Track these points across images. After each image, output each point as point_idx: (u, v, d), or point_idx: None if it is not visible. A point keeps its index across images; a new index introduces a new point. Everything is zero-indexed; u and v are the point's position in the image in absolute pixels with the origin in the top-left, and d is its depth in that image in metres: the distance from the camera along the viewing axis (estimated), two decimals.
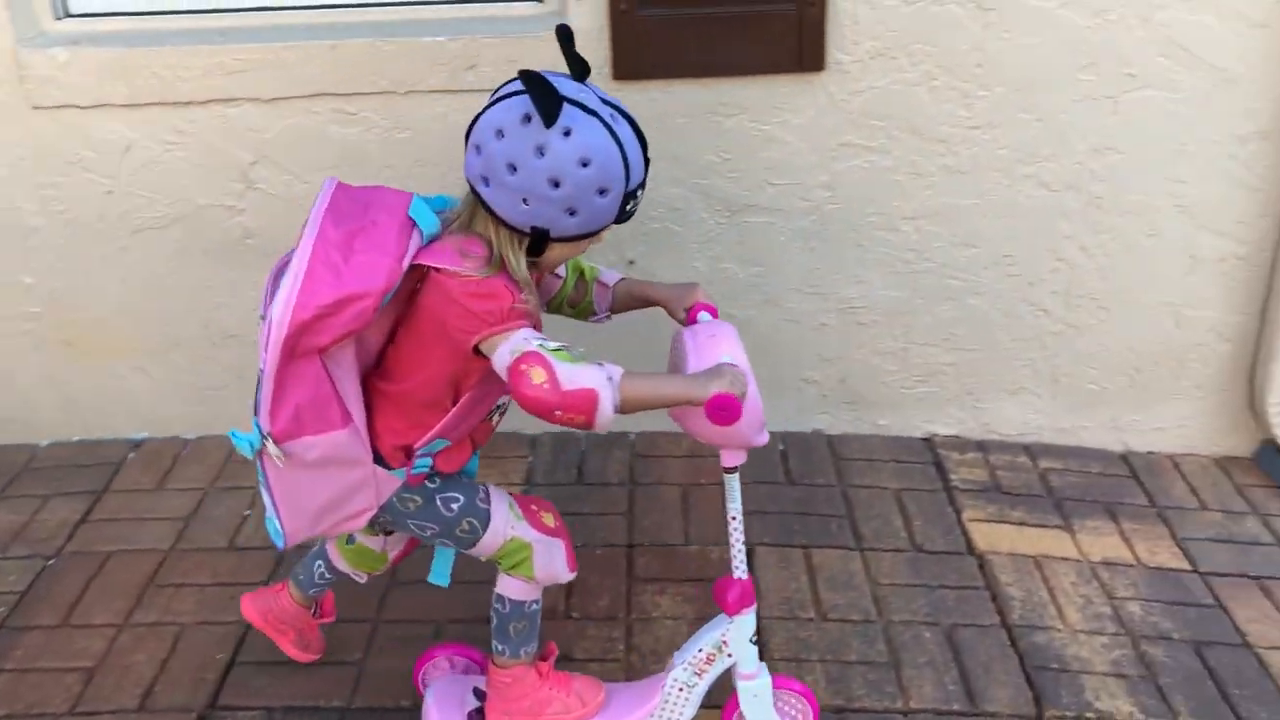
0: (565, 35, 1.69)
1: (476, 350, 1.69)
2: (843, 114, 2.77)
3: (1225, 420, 3.06)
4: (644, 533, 2.76)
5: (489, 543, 1.87)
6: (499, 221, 1.66)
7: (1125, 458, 3.10)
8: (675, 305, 1.95)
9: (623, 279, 1.99)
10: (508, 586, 1.93)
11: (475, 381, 1.77)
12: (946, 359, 3.03)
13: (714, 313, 1.92)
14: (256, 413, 1.70)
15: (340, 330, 1.64)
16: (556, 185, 1.60)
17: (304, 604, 2.20)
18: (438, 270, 1.68)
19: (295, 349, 1.63)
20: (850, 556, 2.68)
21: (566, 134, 1.59)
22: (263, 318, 1.68)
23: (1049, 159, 2.80)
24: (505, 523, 1.87)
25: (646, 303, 1.99)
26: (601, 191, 1.63)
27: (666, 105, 2.77)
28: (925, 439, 3.13)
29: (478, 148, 1.65)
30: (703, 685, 1.96)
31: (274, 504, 1.78)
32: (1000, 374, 3.04)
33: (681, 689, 1.96)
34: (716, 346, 1.77)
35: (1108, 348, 2.99)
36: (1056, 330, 2.98)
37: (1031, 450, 3.09)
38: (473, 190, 1.69)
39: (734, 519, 1.89)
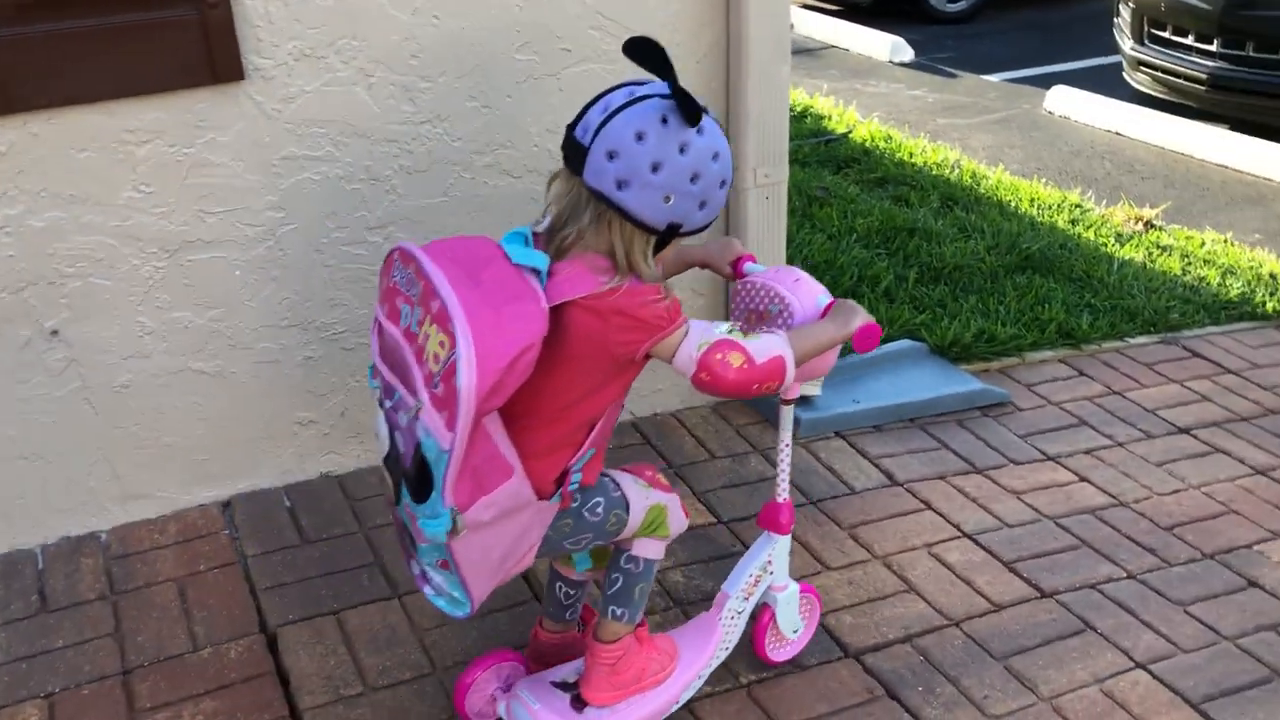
0: (650, 43, 1.70)
1: (646, 354, 1.74)
2: (277, 125, 2.46)
3: None
4: (140, 650, 2.32)
5: (634, 522, 1.94)
6: (634, 225, 1.67)
7: (636, 426, 3.13)
8: (720, 262, 2.07)
9: None
10: (645, 548, 1.99)
11: (625, 387, 1.84)
12: None
13: (754, 259, 2.07)
14: (430, 493, 1.65)
15: (515, 385, 1.63)
16: (695, 180, 1.66)
17: (567, 628, 2.16)
18: (586, 298, 1.68)
19: (478, 418, 1.60)
20: (389, 608, 2.44)
21: (700, 131, 1.66)
22: (388, 402, 1.72)
23: (505, 146, 2.69)
24: (641, 497, 1.94)
25: (689, 266, 2.09)
26: (723, 184, 1.72)
27: (57, 140, 2.29)
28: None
29: (611, 154, 1.63)
30: (750, 605, 2.17)
31: (460, 577, 1.75)
32: None
33: (735, 616, 2.15)
34: (809, 287, 1.94)
35: None
36: None
37: None
38: (600, 199, 1.66)
39: (786, 445, 2.10)
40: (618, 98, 1.66)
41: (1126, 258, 4.45)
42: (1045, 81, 7.42)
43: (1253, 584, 2.59)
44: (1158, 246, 4.64)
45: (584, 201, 1.67)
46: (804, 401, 3.17)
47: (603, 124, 1.63)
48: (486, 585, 1.78)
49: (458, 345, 1.55)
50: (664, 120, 1.63)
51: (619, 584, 1.98)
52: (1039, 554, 2.67)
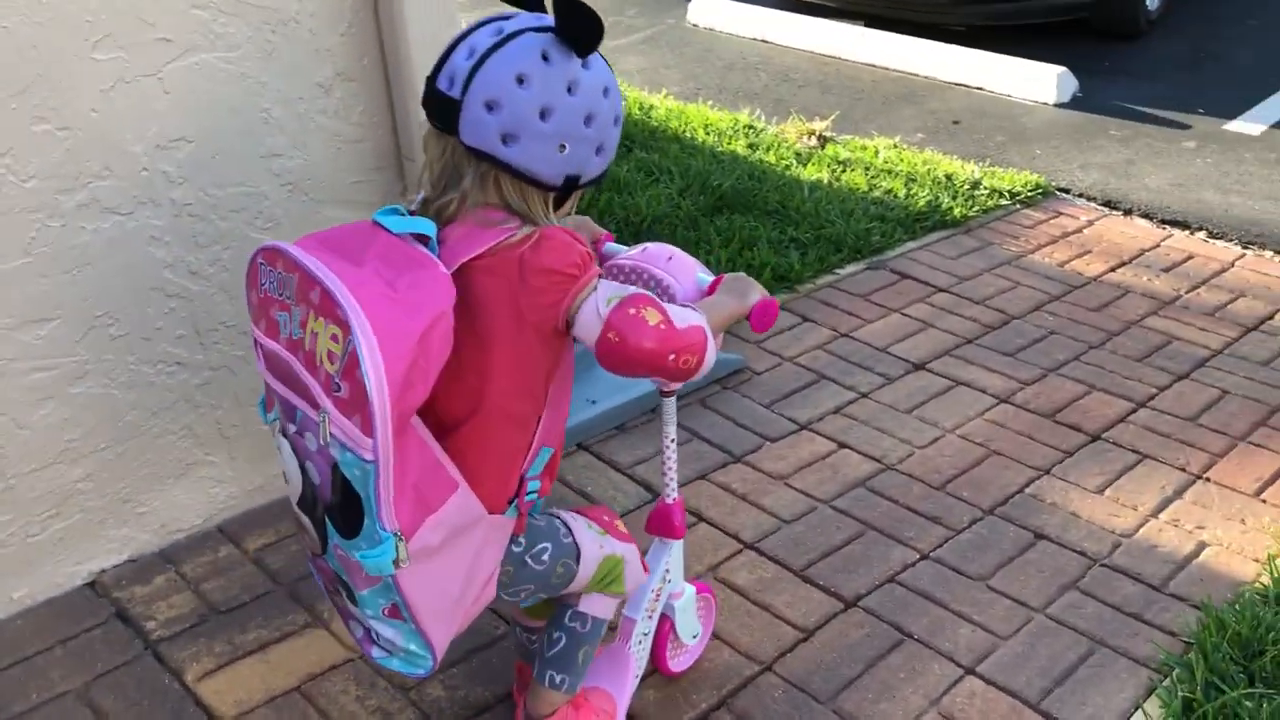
0: None
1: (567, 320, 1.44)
2: None
3: None
4: None
5: (584, 574, 1.66)
6: (527, 182, 1.41)
7: None
8: None
9: None
10: (595, 605, 1.72)
11: (565, 364, 1.53)
12: (77, 472, 2.15)
13: (612, 239, 1.81)
14: (361, 521, 1.33)
15: (435, 369, 1.33)
16: (589, 122, 1.42)
17: None
18: (482, 256, 1.40)
19: (401, 417, 1.30)
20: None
21: (585, 65, 1.41)
22: (291, 427, 1.39)
23: (102, 176, 2.00)
24: (595, 545, 1.67)
25: None
26: (616, 120, 1.47)
27: None
28: (89, 584, 2.25)
29: (490, 105, 1.36)
30: (654, 623, 1.92)
31: (414, 620, 1.43)
32: (156, 459, 2.26)
33: (642, 639, 1.89)
34: (684, 264, 1.69)
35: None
36: (204, 379, 2.27)
37: (229, 532, 2.40)
38: (482, 157, 1.39)
39: (670, 441, 1.85)
40: (483, 37, 1.39)
41: (813, 179, 4.29)
42: None
43: (1039, 536, 2.46)
44: (837, 162, 4.53)
45: (465, 162, 1.41)
46: None
47: (473, 71, 1.37)
48: (447, 629, 1.47)
49: (352, 331, 1.25)
50: (545, 57, 1.38)
51: (560, 644, 1.71)
52: (827, 551, 2.40)
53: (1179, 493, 2.61)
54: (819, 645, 2.15)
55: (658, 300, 1.45)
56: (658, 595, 1.89)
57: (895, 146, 4.76)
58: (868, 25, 6.36)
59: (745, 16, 6.55)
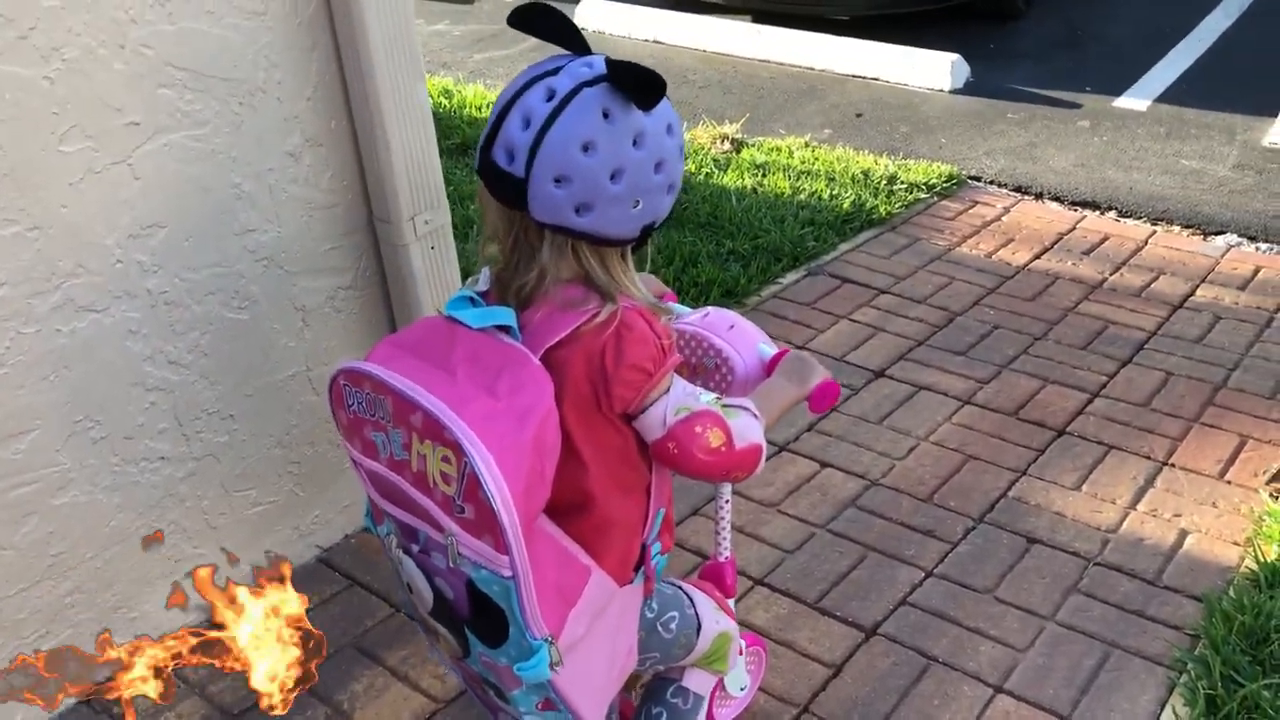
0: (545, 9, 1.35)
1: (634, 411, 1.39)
2: None
3: None
4: None
5: (700, 648, 1.67)
6: (603, 245, 1.34)
7: (328, 561, 2.47)
8: None
9: None
10: (699, 681, 1.73)
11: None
12: (65, 586, 2.02)
13: (675, 299, 1.77)
14: (507, 632, 1.31)
15: (549, 469, 1.29)
16: (659, 169, 1.34)
17: None
18: (564, 340, 1.34)
19: (528, 523, 1.26)
20: None
21: (647, 111, 1.30)
22: (414, 546, 1.35)
23: (76, 275, 1.87)
24: (712, 621, 1.67)
25: None
26: (680, 152, 1.38)
27: None
28: (85, 702, 2.12)
29: (559, 180, 1.28)
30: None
31: (570, 708, 1.43)
32: (145, 561, 2.13)
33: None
34: (745, 334, 1.66)
35: (256, 455, 2.26)
36: (189, 471, 2.15)
37: None
38: (556, 230, 1.32)
39: (726, 501, 1.81)
40: (537, 103, 1.28)
41: (739, 187, 4.31)
42: None
43: (1032, 540, 2.52)
44: (755, 166, 4.55)
45: (538, 237, 1.34)
46: None
47: (535, 145, 1.28)
48: (601, 707, 1.48)
49: (466, 454, 1.22)
50: (606, 115, 1.28)
51: None
52: (836, 580, 2.42)
53: (1150, 481, 2.71)
54: (850, 680, 2.16)
55: (725, 420, 1.41)
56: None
57: (807, 145, 4.81)
58: (754, 21, 6.41)
59: (636, 18, 6.52)
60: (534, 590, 1.28)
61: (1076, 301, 3.57)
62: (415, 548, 1.35)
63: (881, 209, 4.17)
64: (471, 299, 1.37)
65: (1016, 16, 6.38)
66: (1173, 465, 2.78)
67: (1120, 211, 4.26)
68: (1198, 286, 3.68)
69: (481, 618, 1.32)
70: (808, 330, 3.42)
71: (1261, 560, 2.38)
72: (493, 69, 6.02)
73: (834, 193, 4.28)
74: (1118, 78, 5.61)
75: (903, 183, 4.41)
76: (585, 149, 1.27)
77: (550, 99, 1.27)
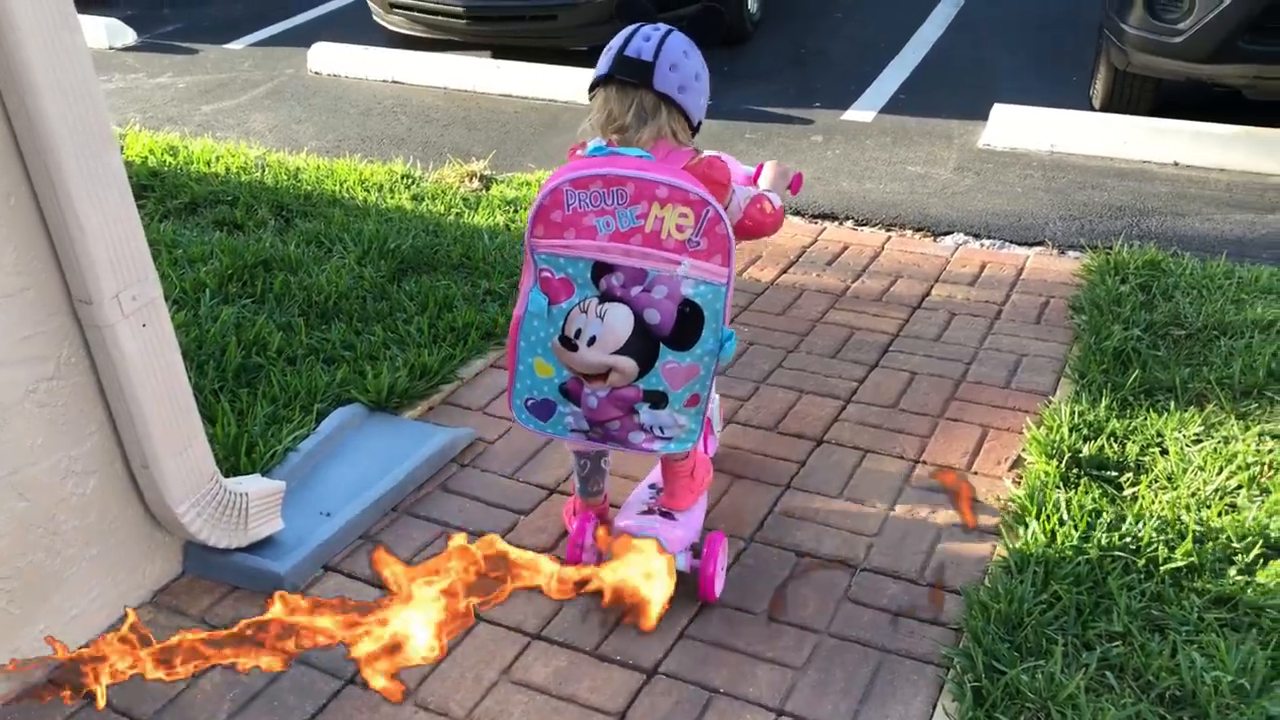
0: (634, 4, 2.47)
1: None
2: None
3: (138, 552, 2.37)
4: None
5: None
6: (685, 119, 2.18)
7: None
8: None
9: None
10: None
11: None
12: None
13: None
14: (708, 329, 2.09)
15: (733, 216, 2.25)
16: (707, 86, 2.23)
17: (599, 500, 2.59)
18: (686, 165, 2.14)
19: None
20: None
21: (691, 49, 2.20)
22: (636, 289, 2.08)
23: None
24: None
25: None
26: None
27: None
28: None
29: (673, 66, 2.13)
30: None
31: (707, 403, 2.20)
32: None
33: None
34: (735, 165, 2.43)
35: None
36: None
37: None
38: (667, 101, 2.14)
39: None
40: (648, 31, 2.14)
41: (490, 225, 4.24)
42: (299, 38, 6.92)
43: (800, 554, 2.56)
44: (506, 203, 4.51)
45: (655, 104, 2.13)
46: (266, 543, 2.50)
47: (659, 46, 2.12)
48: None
49: (709, 204, 2.01)
50: (690, 45, 2.17)
51: None
52: (613, 624, 2.37)
53: (905, 480, 2.81)
54: None
55: (766, 196, 2.27)
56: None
57: None
58: (494, 56, 6.38)
59: (371, 59, 6.37)
60: (730, 295, 2.08)
61: (824, 311, 3.69)
62: (638, 289, 2.05)
63: None
64: (605, 150, 2.09)
65: (745, 39, 6.61)
66: (924, 462, 2.89)
67: (857, 220, 4.46)
68: (932, 286, 3.88)
69: (679, 329, 2.06)
70: None
71: (1010, 547, 2.50)
72: (222, 120, 5.73)
73: None
74: (844, 92, 5.89)
75: None
76: (686, 54, 2.14)
77: (657, 30, 2.14)
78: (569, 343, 2.11)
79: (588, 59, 6.20)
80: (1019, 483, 2.77)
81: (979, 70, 6.14)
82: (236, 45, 7.04)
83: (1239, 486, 2.68)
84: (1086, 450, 2.81)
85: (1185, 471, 2.74)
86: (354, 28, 6.96)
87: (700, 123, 2.21)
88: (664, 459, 2.39)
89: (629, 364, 2.09)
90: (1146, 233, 4.26)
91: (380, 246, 3.93)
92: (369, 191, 4.58)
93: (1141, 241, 4.11)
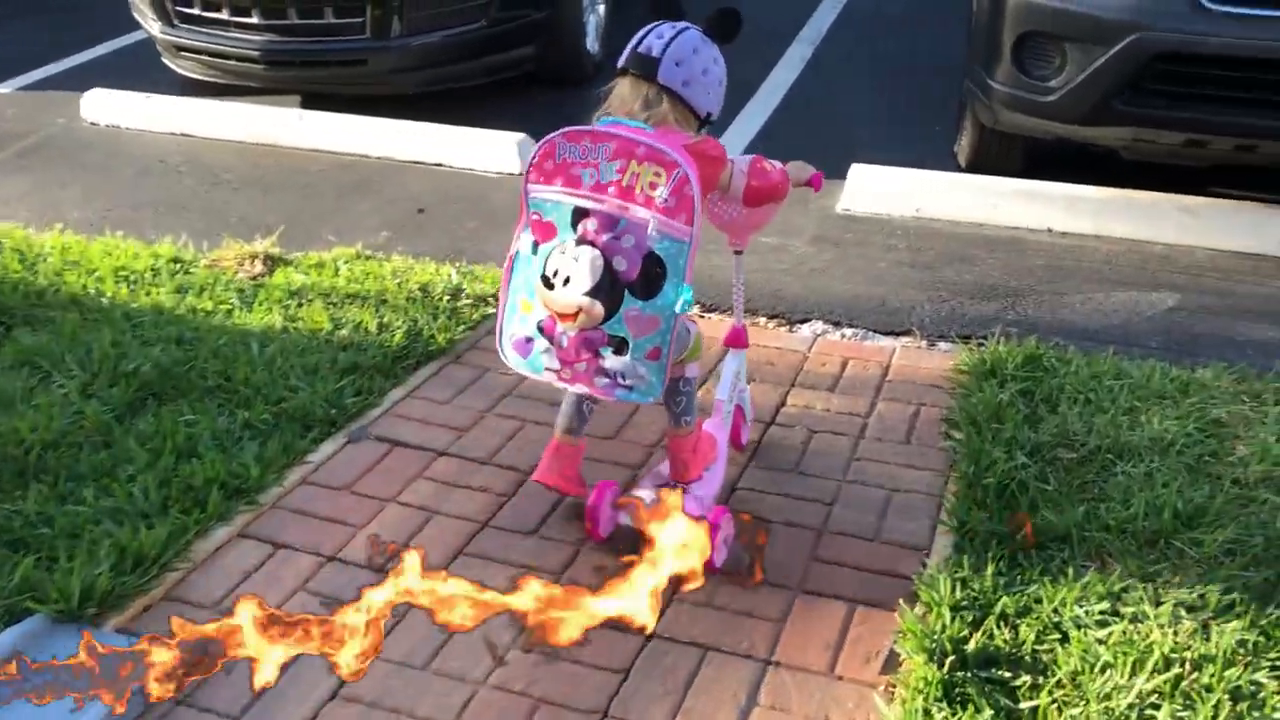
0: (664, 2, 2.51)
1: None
2: None
3: None
4: None
5: (686, 342, 2.55)
6: (691, 113, 2.38)
7: None
8: None
9: None
10: (693, 370, 2.66)
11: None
12: None
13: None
14: (670, 282, 2.27)
15: (701, 182, 2.33)
16: (720, 83, 2.43)
17: (578, 440, 2.74)
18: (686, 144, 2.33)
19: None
20: None
21: (717, 47, 2.43)
22: (606, 235, 2.29)
23: None
24: (696, 327, 2.65)
25: None
26: (721, 82, 2.46)
27: None
28: None
29: (678, 62, 2.34)
30: (732, 405, 2.84)
31: (667, 357, 2.33)
32: None
33: (726, 414, 2.82)
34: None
35: None
36: None
37: None
38: (669, 93, 2.35)
39: (740, 285, 2.86)
40: (664, 29, 2.38)
41: (264, 329, 3.52)
42: (77, 82, 6.03)
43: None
44: (290, 294, 3.78)
45: (659, 96, 2.35)
46: None
47: (668, 44, 2.35)
48: (667, 375, 2.38)
49: (680, 165, 2.22)
50: (703, 41, 2.39)
51: (684, 403, 2.62)
52: None
53: (754, 694, 2.22)
54: None
55: (763, 158, 2.51)
56: (734, 385, 2.81)
57: (359, 256, 4.11)
58: (304, 104, 5.64)
59: (155, 109, 5.54)
60: (694, 254, 2.28)
61: (656, 439, 3.08)
62: (608, 236, 2.26)
63: (440, 337, 3.53)
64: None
65: (584, 81, 5.98)
66: (778, 663, 2.31)
67: (703, 307, 3.87)
68: (788, 393, 3.33)
69: (644, 279, 2.26)
70: (339, 530, 2.70)
71: None
72: None
73: (384, 321, 3.59)
74: None
75: (469, 297, 3.81)
76: (694, 51, 2.37)
77: (673, 29, 2.38)
78: (547, 281, 2.32)
79: (404, 108, 5.48)
80: (891, 696, 2.20)
81: (835, 121, 5.65)
82: (2, 90, 6.12)
83: (1158, 694, 2.16)
84: (973, 643, 2.27)
85: (1092, 669, 2.22)
86: (142, 71, 6.11)
87: (710, 115, 2.42)
88: (669, 441, 2.66)
89: (597, 307, 2.27)
90: (1024, 318, 3.78)
91: (114, 368, 3.17)
92: (123, 284, 3.80)
93: (1019, 330, 3.63)
